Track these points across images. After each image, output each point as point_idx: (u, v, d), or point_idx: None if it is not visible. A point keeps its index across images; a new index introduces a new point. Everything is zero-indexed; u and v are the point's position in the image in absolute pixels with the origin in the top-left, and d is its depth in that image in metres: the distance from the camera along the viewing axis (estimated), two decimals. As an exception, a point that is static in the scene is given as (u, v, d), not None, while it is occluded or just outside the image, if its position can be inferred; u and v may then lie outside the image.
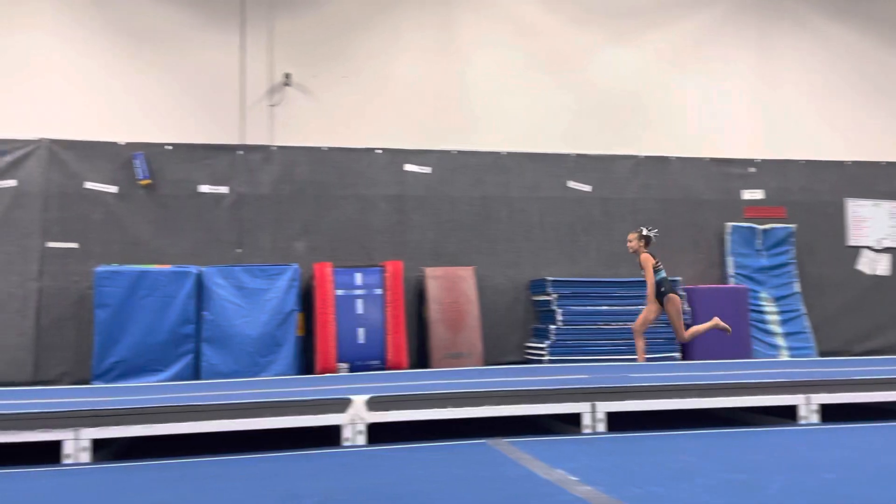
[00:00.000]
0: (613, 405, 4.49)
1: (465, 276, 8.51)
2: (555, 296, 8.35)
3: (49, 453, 3.95)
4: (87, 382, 7.38)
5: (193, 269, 7.72)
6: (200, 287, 7.68)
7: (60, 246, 7.91)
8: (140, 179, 8.12)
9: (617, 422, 4.55)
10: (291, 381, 6.37)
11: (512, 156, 9.08)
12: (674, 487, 3.13)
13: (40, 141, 8.00)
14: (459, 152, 8.98)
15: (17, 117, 8.03)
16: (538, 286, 8.68)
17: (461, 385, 5.02)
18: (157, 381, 7.20)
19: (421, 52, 9.16)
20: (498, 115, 9.16)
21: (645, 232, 7.30)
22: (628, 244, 7.38)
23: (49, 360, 7.74)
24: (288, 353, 7.75)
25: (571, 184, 9.19)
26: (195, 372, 7.60)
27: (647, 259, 7.21)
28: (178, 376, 7.46)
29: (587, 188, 9.22)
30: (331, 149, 8.70)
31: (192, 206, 8.29)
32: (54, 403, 4.42)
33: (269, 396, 4.54)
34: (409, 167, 8.84)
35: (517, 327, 8.83)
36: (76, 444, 3.85)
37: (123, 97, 8.36)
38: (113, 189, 8.11)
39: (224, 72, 8.60)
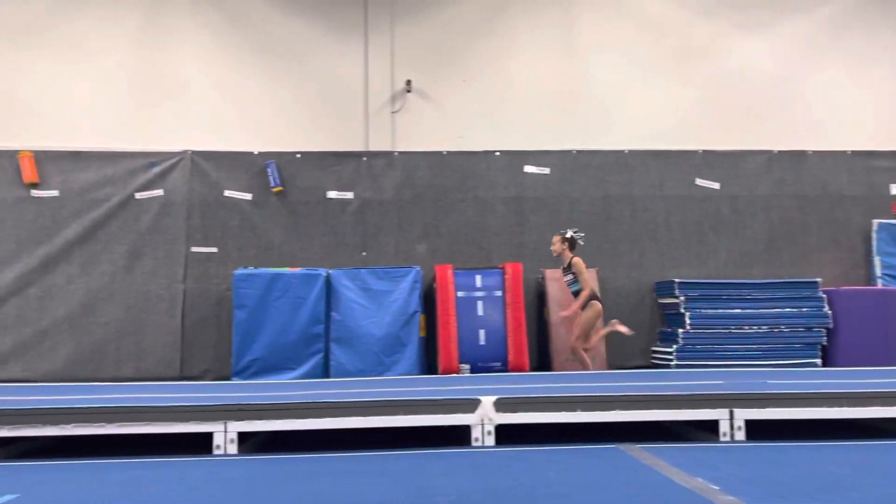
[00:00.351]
0: (754, 412, 4.28)
1: (587, 278, 8.36)
2: (682, 298, 8.06)
3: (196, 444, 4.22)
4: (227, 379, 7.83)
5: (322, 271, 8.02)
6: (329, 288, 7.98)
7: (202, 251, 8.46)
8: (273, 187, 8.55)
9: (754, 430, 4.33)
10: (417, 380, 6.50)
11: (635, 154, 8.86)
12: (826, 500, 2.94)
13: (184, 153, 8.60)
14: (579, 152, 8.85)
15: (163, 131, 8.67)
16: (665, 288, 8.40)
17: (588, 388, 4.94)
18: (290, 379, 7.53)
19: (540, 52, 9.12)
20: (620, 113, 8.98)
21: (569, 234, 7.21)
22: (552, 247, 7.33)
23: (193, 357, 8.28)
24: (411, 353, 7.91)
25: (699, 181, 8.85)
26: (324, 370, 7.90)
27: (579, 262, 7.13)
28: (309, 374, 7.77)
29: (715, 185, 8.85)
30: (450, 153, 8.82)
31: (320, 212, 8.63)
32: (203, 398, 4.72)
33: (398, 395, 4.65)
34: (528, 168, 8.81)
35: (642, 330, 8.57)
36: (225, 436, 4.10)
37: (257, 109, 8.84)
38: (248, 196, 8.59)
39: (349, 80, 8.93)
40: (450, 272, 8.11)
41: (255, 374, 7.72)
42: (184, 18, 8.91)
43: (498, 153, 8.83)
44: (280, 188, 8.56)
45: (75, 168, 8.44)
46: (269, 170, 8.56)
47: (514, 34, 9.15)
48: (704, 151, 8.90)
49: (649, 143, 8.88)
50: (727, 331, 7.99)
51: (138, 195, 8.47)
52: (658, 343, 8.47)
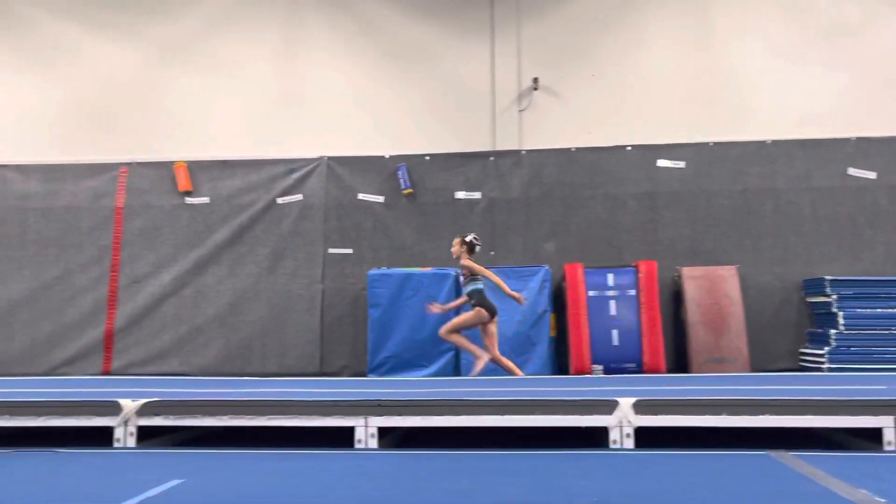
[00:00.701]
0: (925, 421, 3.90)
1: (727, 276, 7.98)
2: (835, 297, 7.51)
3: (338, 438, 4.38)
4: (363, 375, 8.11)
5: (451, 271, 8.12)
6: (458, 288, 8.06)
7: (339, 252, 8.82)
8: (403, 189, 8.77)
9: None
10: (549, 380, 6.44)
11: (778, 144, 8.35)
12: None
13: (320, 159, 8.99)
14: (717, 144, 8.46)
15: (301, 138, 9.10)
16: (814, 286, 7.86)
17: (731, 392, 4.71)
18: (423, 376, 7.68)
19: (671, 42, 8.81)
20: (761, 102, 8.52)
21: (469, 238, 7.05)
22: (452, 248, 7.17)
23: (331, 354, 8.64)
24: (542, 352, 7.86)
25: (852, 171, 8.21)
26: (455, 368, 8.00)
27: (470, 264, 6.97)
28: (441, 372, 7.90)
29: (871, 175, 8.18)
30: (578, 149, 8.68)
31: (448, 212, 8.76)
32: (344, 394, 4.90)
33: (532, 395, 4.62)
34: (661, 163, 8.52)
35: (788, 331, 8.08)
36: (366, 430, 4.24)
37: (387, 113, 9.10)
38: (380, 199, 8.85)
39: (476, 81, 9.00)
40: (580, 271, 7.99)
41: (390, 371, 7.95)
42: (317, 28, 9.32)
43: (629, 148, 8.59)
44: (410, 190, 8.77)
45: (223, 176, 9.03)
46: (399, 172, 8.79)
47: (643, 25, 8.89)
48: (858, 139, 8.25)
49: (794, 131, 8.36)
50: (887, 332, 7.36)
51: (280, 200, 8.94)
52: (807, 345, 7.93)
